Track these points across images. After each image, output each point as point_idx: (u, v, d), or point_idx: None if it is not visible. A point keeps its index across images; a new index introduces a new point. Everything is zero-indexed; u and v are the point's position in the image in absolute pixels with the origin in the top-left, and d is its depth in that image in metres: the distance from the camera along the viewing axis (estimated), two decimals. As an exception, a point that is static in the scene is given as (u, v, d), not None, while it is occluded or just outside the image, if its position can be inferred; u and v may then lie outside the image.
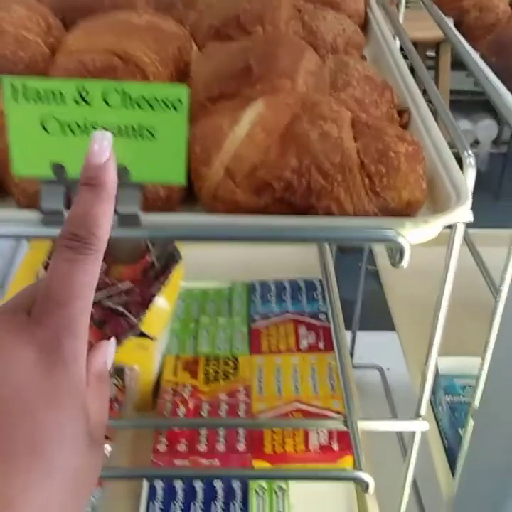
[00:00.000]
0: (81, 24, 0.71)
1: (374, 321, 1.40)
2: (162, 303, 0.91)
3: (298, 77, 0.60)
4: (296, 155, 0.48)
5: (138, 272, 1.03)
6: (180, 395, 0.86)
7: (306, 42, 0.68)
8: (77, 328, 0.31)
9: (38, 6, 0.74)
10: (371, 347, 1.30)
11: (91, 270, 0.32)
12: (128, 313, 0.96)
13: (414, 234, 0.46)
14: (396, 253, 0.47)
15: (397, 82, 0.68)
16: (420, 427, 0.63)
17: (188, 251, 0.99)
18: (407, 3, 1.09)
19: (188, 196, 0.54)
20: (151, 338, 0.87)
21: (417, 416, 0.63)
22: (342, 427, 0.63)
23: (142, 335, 0.88)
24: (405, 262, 0.47)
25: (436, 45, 2.19)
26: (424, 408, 0.63)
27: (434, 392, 0.86)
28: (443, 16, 0.91)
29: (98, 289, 1.06)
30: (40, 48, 0.70)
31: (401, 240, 0.46)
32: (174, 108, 0.44)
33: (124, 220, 0.47)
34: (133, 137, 0.45)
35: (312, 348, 0.94)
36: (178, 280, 0.97)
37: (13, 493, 0.26)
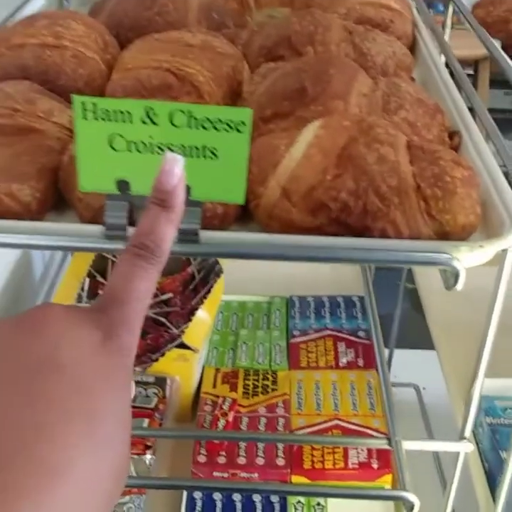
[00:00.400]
0: (137, 42, 0.73)
1: (409, 339, 1.40)
2: (204, 315, 0.92)
3: (351, 98, 0.61)
4: (353, 177, 0.49)
5: (178, 284, 1.05)
6: (220, 408, 0.87)
7: (356, 63, 0.70)
8: (134, 326, 0.33)
9: (95, 23, 0.76)
10: (407, 365, 1.29)
11: (152, 278, 0.35)
12: (169, 324, 0.97)
13: (468, 258, 0.47)
14: (451, 277, 0.47)
15: (446, 104, 0.68)
16: (465, 448, 0.63)
17: (227, 264, 1.00)
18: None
19: (242, 214, 0.55)
20: (192, 350, 0.88)
21: (462, 438, 0.63)
22: (385, 447, 0.63)
23: (184, 346, 0.89)
24: (460, 286, 0.47)
25: (475, 63, 2.19)
26: (469, 430, 0.63)
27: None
28: (488, 35, 0.91)
29: None
30: (98, 65, 0.72)
31: (456, 264, 0.46)
32: (237, 130, 0.45)
33: (184, 236, 0.48)
34: (196, 156, 0.46)
35: (351, 365, 0.94)
36: (220, 293, 0.98)
37: (69, 458, 0.26)
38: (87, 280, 1.02)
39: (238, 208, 0.54)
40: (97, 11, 0.84)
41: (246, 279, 1.08)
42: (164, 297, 1.00)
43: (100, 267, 1.05)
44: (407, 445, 0.64)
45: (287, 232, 0.50)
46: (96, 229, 0.48)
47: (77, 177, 0.48)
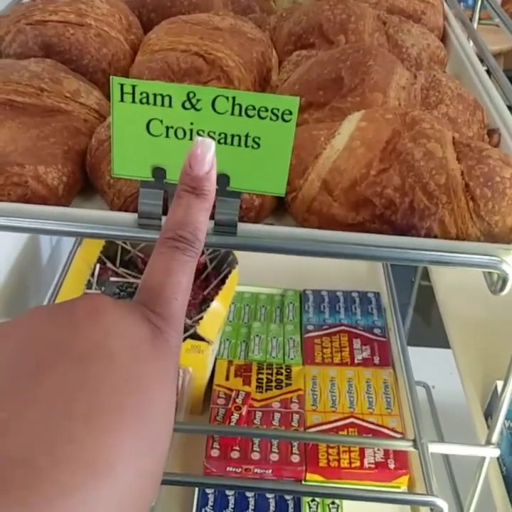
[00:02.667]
0: (163, 24, 0.70)
1: (417, 336, 1.39)
2: (218, 307, 0.90)
3: (390, 91, 0.59)
4: (399, 172, 0.47)
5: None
6: (234, 401, 0.86)
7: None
8: (180, 323, 0.32)
9: (118, 2, 0.73)
10: (416, 363, 1.27)
11: (191, 270, 0.34)
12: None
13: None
14: (498, 281, 0.45)
15: (483, 100, 0.66)
16: (491, 453, 0.61)
17: (238, 254, 0.98)
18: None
19: (276, 207, 0.53)
20: (207, 342, 0.86)
21: (488, 443, 0.62)
22: (411, 449, 0.61)
23: (198, 337, 0.87)
24: (507, 290, 0.45)
25: (499, 57, 2.16)
26: (497, 435, 0.61)
27: (491, 415, 0.84)
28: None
29: None
30: (122, 46, 0.69)
31: (506, 268, 0.44)
32: (283, 118, 0.43)
33: (221, 227, 0.46)
34: (237, 145, 0.44)
35: (367, 363, 0.92)
36: (234, 285, 0.96)
37: (116, 456, 0.25)
38: (98, 266, 1.00)
39: (274, 201, 0.52)
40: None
41: (258, 270, 1.06)
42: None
43: (110, 253, 1.03)
44: (433, 448, 0.62)
45: (326, 228, 0.48)
46: (129, 217, 0.46)
47: (109, 162, 0.46)
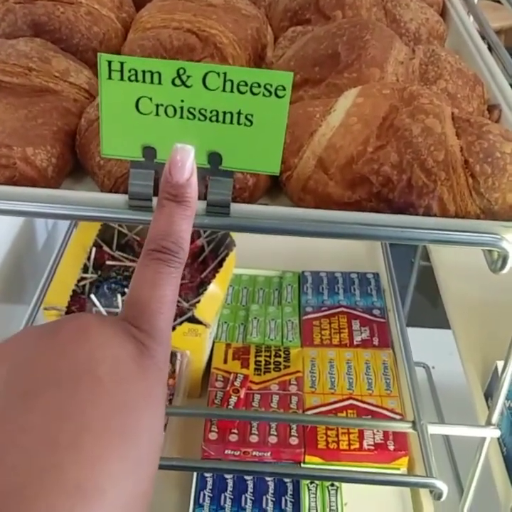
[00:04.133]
0: (155, 1, 0.69)
1: (419, 317, 1.38)
2: (216, 289, 0.89)
3: (388, 66, 0.58)
4: (396, 149, 0.46)
5: (187, 256, 1.01)
6: (232, 384, 0.85)
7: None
8: (166, 336, 0.33)
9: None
10: (416, 344, 1.27)
11: (177, 281, 0.33)
12: (179, 297, 0.94)
13: None
14: (498, 259, 0.44)
15: (483, 75, 0.65)
16: (492, 434, 0.61)
17: (236, 236, 0.97)
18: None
19: (270, 187, 0.52)
20: (204, 325, 0.86)
21: (489, 423, 0.61)
22: (410, 431, 0.61)
23: (195, 321, 0.86)
24: (507, 268, 0.44)
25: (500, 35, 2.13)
26: (497, 416, 0.61)
27: (492, 396, 0.84)
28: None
29: None
30: (114, 24, 0.68)
31: (506, 246, 0.43)
32: (276, 95, 0.42)
33: (213, 208, 0.45)
34: (229, 123, 0.43)
35: (366, 344, 0.92)
36: (231, 267, 0.95)
37: (105, 480, 0.26)
38: (93, 250, 0.98)
39: (268, 180, 0.51)
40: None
41: (256, 252, 1.05)
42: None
43: (106, 236, 1.02)
44: (432, 429, 0.61)
45: (322, 207, 0.47)
46: (119, 198, 0.45)
47: (99, 142, 0.45)
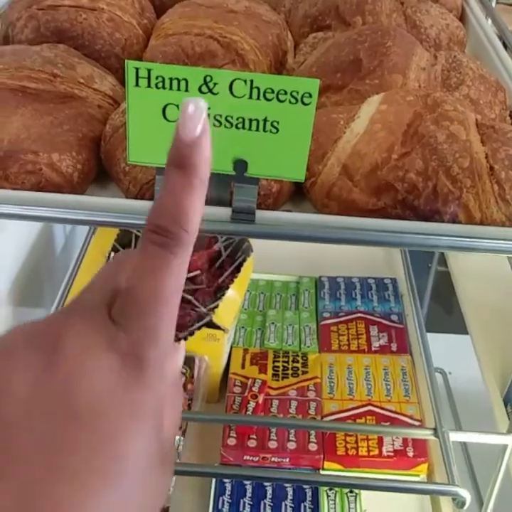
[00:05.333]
0: (177, 7, 0.69)
1: (437, 323, 1.37)
2: (234, 295, 0.89)
3: (410, 73, 0.57)
4: (421, 156, 0.46)
5: (205, 261, 1.01)
6: (250, 390, 0.85)
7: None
8: (161, 338, 0.27)
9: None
10: (433, 349, 1.26)
11: (179, 270, 0.27)
12: (196, 302, 0.94)
13: None
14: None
15: (504, 80, 0.64)
16: (514, 442, 0.60)
17: (253, 241, 0.97)
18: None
19: (294, 193, 0.52)
20: (222, 330, 0.86)
21: (510, 431, 0.61)
22: (432, 438, 0.60)
23: (214, 326, 0.86)
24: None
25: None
26: (519, 423, 0.60)
27: (509, 402, 0.83)
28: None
29: None
30: (135, 30, 0.68)
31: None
32: (303, 102, 0.42)
33: (238, 215, 0.45)
34: (255, 130, 0.43)
35: (384, 350, 0.91)
36: (249, 273, 0.95)
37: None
38: (112, 254, 0.99)
39: (292, 187, 0.51)
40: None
41: (273, 257, 1.05)
42: (190, 275, 0.97)
43: (125, 240, 1.03)
44: (454, 437, 0.61)
45: (347, 214, 0.47)
46: (145, 205, 0.45)
47: (124, 148, 0.45)
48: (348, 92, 0.57)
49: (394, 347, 0.92)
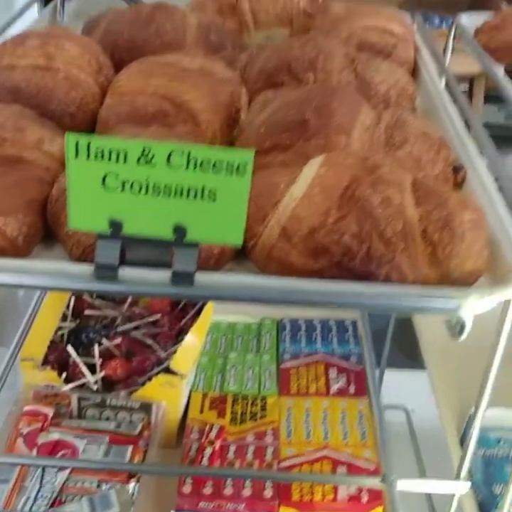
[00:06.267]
0: (132, 65, 0.70)
1: (399, 359, 1.39)
2: (192, 339, 0.90)
3: (354, 132, 0.59)
4: (356, 220, 0.47)
5: (166, 304, 1.02)
6: (207, 436, 0.85)
7: (359, 92, 0.68)
8: None
9: (89, 43, 0.73)
10: (395, 386, 1.28)
11: None
12: (157, 346, 0.95)
13: (476, 305, 0.45)
14: (457, 325, 0.45)
15: (450, 136, 0.66)
16: (461, 489, 0.61)
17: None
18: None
19: (239, 251, 0.53)
20: (180, 376, 0.86)
21: (458, 477, 0.62)
22: (379, 486, 0.61)
23: (171, 372, 0.87)
24: (465, 335, 0.46)
25: (470, 80, 2.18)
26: (466, 469, 0.61)
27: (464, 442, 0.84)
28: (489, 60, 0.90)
29: (127, 320, 1.04)
30: (92, 88, 0.69)
31: (463, 313, 0.45)
32: (238, 172, 0.43)
33: (178, 278, 0.46)
34: (193, 198, 0.44)
35: (343, 393, 0.92)
36: (209, 316, 0.96)
37: None
38: (73, 298, 0.99)
39: (235, 248, 0.52)
40: (92, 28, 0.82)
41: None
42: (152, 319, 0.98)
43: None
44: (402, 485, 0.62)
45: (286, 275, 0.48)
46: (85, 269, 0.46)
47: (66, 213, 0.46)
48: (295, 152, 0.59)
49: (352, 389, 0.93)
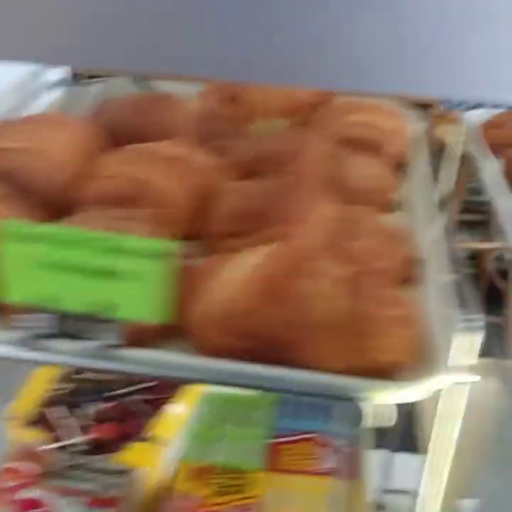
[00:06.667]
0: (117, 152, 0.75)
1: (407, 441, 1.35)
2: (178, 408, 0.92)
3: (308, 224, 0.62)
4: (286, 309, 0.51)
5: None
6: (189, 506, 0.86)
7: (331, 187, 0.70)
8: None
9: (82, 128, 0.80)
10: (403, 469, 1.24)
11: None
12: (150, 413, 0.97)
13: (388, 396, 0.48)
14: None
15: (418, 230, 0.69)
16: None
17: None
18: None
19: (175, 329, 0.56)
20: (162, 443, 0.88)
21: None
22: None
23: (154, 439, 0.89)
24: (365, 423, 0.48)
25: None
26: None
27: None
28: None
29: (124, 384, 1.05)
30: (75, 171, 0.73)
31: (363, 403, 0.47)
32: (164, 260, 0.47)
33: (102, 353, 0.50)
34: (120, 279, 0.49)
35: (332, 473, 0.91)
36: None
37: None
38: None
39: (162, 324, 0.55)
40: (100, 112, 0.89)
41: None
42: (149, 384, 1.01)
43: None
44: None
45: (212, 355, 0.52)
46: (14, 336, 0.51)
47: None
48: (249, 240, 0.62)
49: (343, 471, 0.92)
